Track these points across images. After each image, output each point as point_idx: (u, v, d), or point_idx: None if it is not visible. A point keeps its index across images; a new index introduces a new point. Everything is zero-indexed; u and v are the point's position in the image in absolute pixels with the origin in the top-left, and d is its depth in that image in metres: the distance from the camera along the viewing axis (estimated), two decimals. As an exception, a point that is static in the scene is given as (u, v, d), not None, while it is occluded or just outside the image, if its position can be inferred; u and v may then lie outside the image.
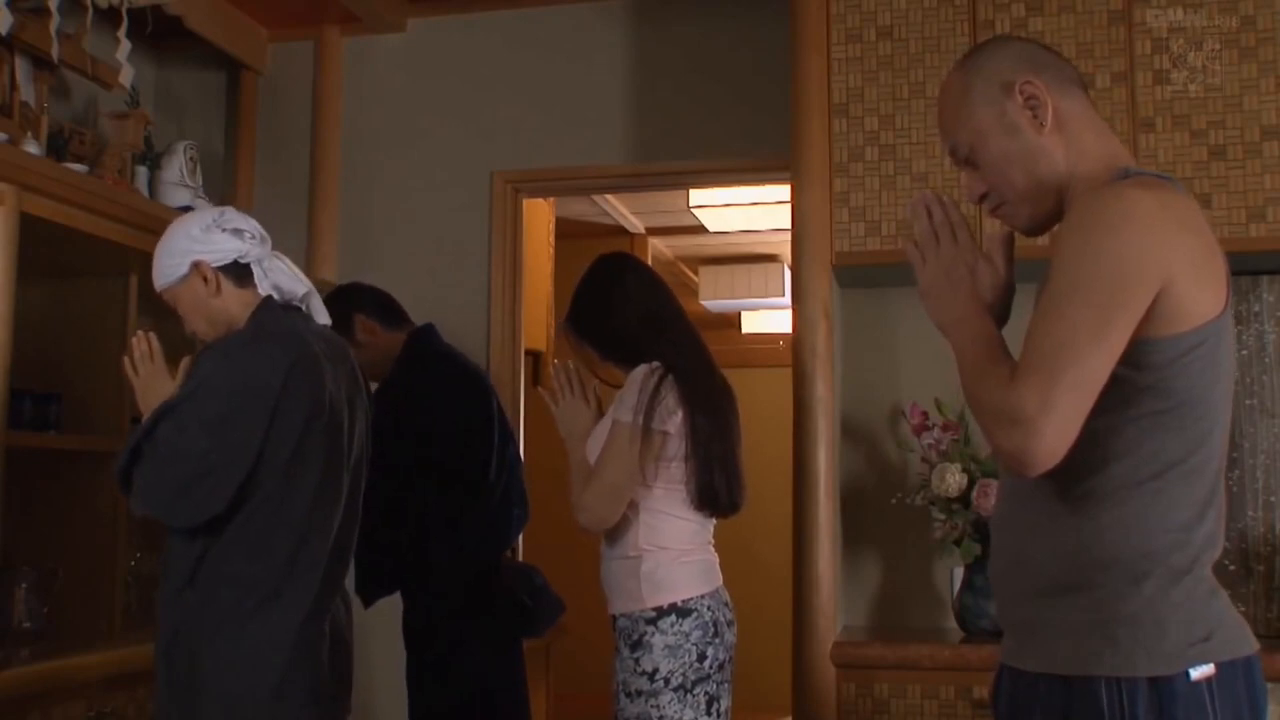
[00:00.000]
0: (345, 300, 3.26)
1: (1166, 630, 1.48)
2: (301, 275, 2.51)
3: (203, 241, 2.39)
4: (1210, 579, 1.55)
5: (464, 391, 3.24)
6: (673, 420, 2.49)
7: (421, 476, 3.10)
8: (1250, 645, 1.55)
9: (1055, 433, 1.43)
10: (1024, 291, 1.72)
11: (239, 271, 2.40)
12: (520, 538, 3.78)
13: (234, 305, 2.39)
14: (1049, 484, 1.56)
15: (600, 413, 2.63)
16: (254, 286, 2.41)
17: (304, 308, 2.50)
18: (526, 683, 3.25)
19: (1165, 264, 1.47)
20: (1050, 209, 1.68)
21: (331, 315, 3.24)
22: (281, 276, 2.45)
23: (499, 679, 3.14)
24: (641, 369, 2.52)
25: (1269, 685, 2.68)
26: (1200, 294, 1.50)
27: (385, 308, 3.31)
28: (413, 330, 3.30)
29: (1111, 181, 1.58)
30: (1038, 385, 1.43)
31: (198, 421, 2.22)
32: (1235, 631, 1.55)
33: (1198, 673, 1.47)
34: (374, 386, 3.07)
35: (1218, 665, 1.49)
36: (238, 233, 2.41)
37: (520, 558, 3.93)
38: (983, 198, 1.72)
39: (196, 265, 2.38)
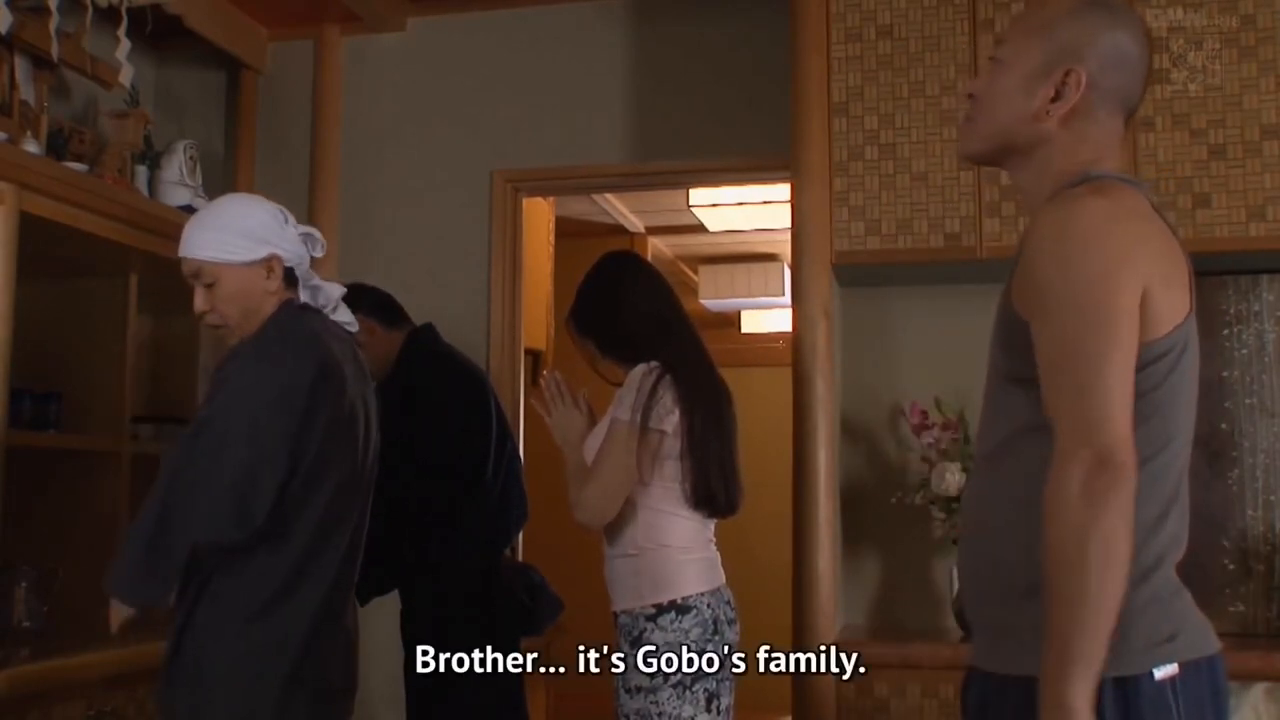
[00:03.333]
0: (348, 299, 3.27)
1: (1132, 630, 1.46)
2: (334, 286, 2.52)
3: (281, 236, 2.38)
4: (1175, 580, 1.55)
5: (462, 391, 3.24)
6: (670, 419, 2.50)
7: (419, 476, 3.10)
8: (1213, 645, 1.55)
9: (1124, 443, 1.43)
10: (990, 293, 1.71)
11: (289, 275, 2.40)
12: (519, 537, 3.78)
13: (271, 305, 2.37)
14: (1013, 485, 1.56)
15: (592, 419, 2.65)
16: (296, 290, 2.41)
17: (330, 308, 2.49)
18: (524, 682, 3.25)
19: (1142, 268, 1.49)
20: (998, 160, 1.71)
21: None
22: (319, 285, 2.47)
23: (497, 678, 3.13)
24: (640, 368, 2.53)
25: (1269, 684, 2.70)
26: (1169, 296, 1.51)
27: (385, 307, 3.31)
28: (412, 330, 3.30)
29: (1070, 186, 1.58)
30: (1077, 430, 1.43)
31: (236, 433, 2.20)
32: (1199, 631, 1.54)
33: (1162, 672, 1.47)
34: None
35: (1182, 665, 1.48)
36: (307, 238, 2.43)
37: (520, 557, 3.93)
38: (971, 96, 1.73)
39: (272, 258, 2.35)
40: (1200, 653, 1.52)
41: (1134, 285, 1.47)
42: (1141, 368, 1.49)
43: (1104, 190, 1.55)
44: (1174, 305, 1.52)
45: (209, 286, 2.34)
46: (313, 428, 2.25)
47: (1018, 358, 1.58)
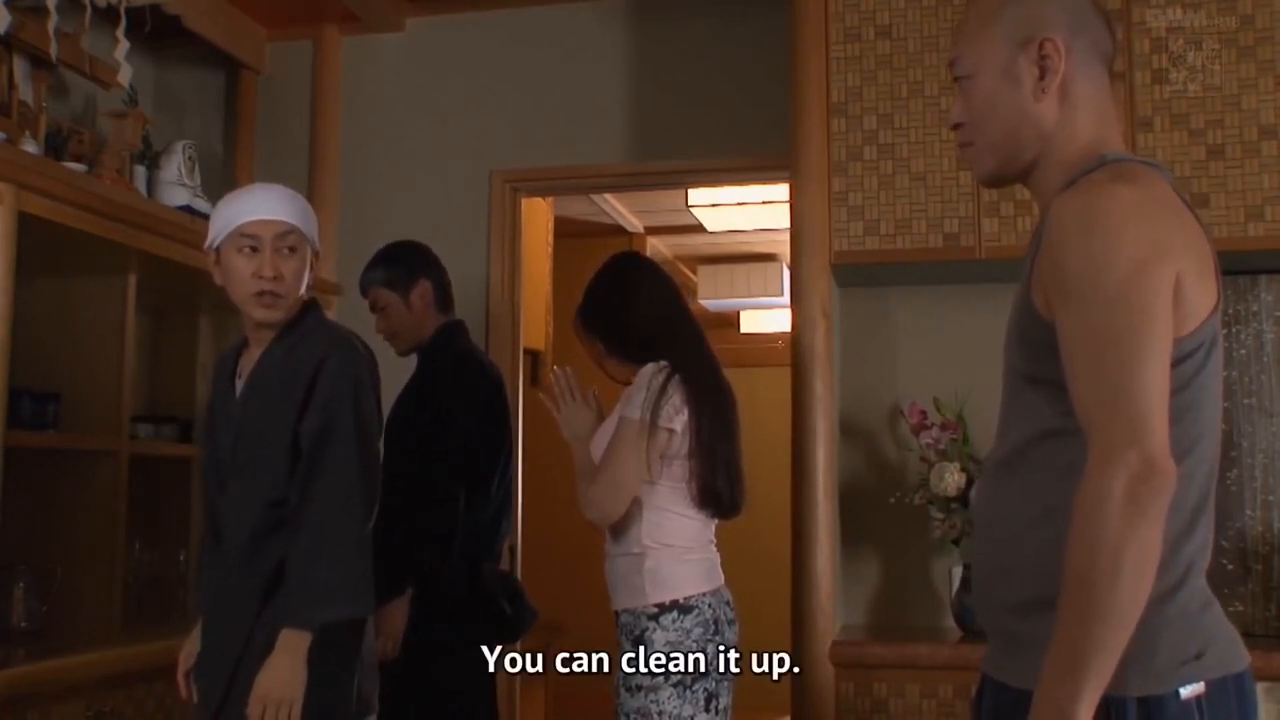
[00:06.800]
0: (422, 260, 3.23)
1: (1158, 648, 1.41)
2: None
3: None
4: (1204, 590, 1.49)
5: (484, 405, 3.18)
6: (679, 418, 2.51)
7: (422, 484, 3.06)
8: (1243, 660, 1.48)
9: (1166, 448, 1.35)
10: (1002, 292, 1.69)
11: None
12: (510, 539, 3.76)
13: (301, 299, 2.43)
14: (1030, 493, 1.51)
15: (601, 415, 2.66)
16: None
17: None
18: (495, 686, 3.24)
19: (1174, 259, 1.42)
20: (1016, 171, 1.63)
21: (400, 264, 3.23)
22: None
23: (471, 682, 3.11)
24: (649, 367, 2.54)
25: (1268, 684, 2.70)
26: (1199, 289, 1.45)
27: (447, 288, 3.29)
28: (447, 323, 3.27)
29: (1087, 173, 1.51)
30: (1123, 431, 1.35)
31: (357, 441, 2.28)
32: (1227, 647, 1.48)
33: (1188, 691, 1.41)
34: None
35: (1209, 683, 1.43)
36: None
37: (519, 557, 3.93)
38: (958, 127, 1.66)
39: (316, 256, 2.47)
40: (1228, 669, 1.45)
41: (1168, 277, 1.40)
42: (1173, 365, 1.40)
43: (1128, 176, 1.48)
44: (1203, 298, 1.45)
45: (291, 252, 2.34)
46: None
47: (1037, 358, 1.50)
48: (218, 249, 2.36)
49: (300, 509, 2.24)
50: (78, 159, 3.33)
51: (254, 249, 2.31)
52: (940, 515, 3.17)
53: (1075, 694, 1.33)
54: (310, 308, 2.42)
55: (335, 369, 2.30)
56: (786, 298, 5.64)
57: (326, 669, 2.22)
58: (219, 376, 2.49)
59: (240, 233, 2.32)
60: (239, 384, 2.41)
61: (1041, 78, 1.58)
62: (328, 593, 2.20)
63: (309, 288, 2.41)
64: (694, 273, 7.33)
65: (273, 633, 2.22)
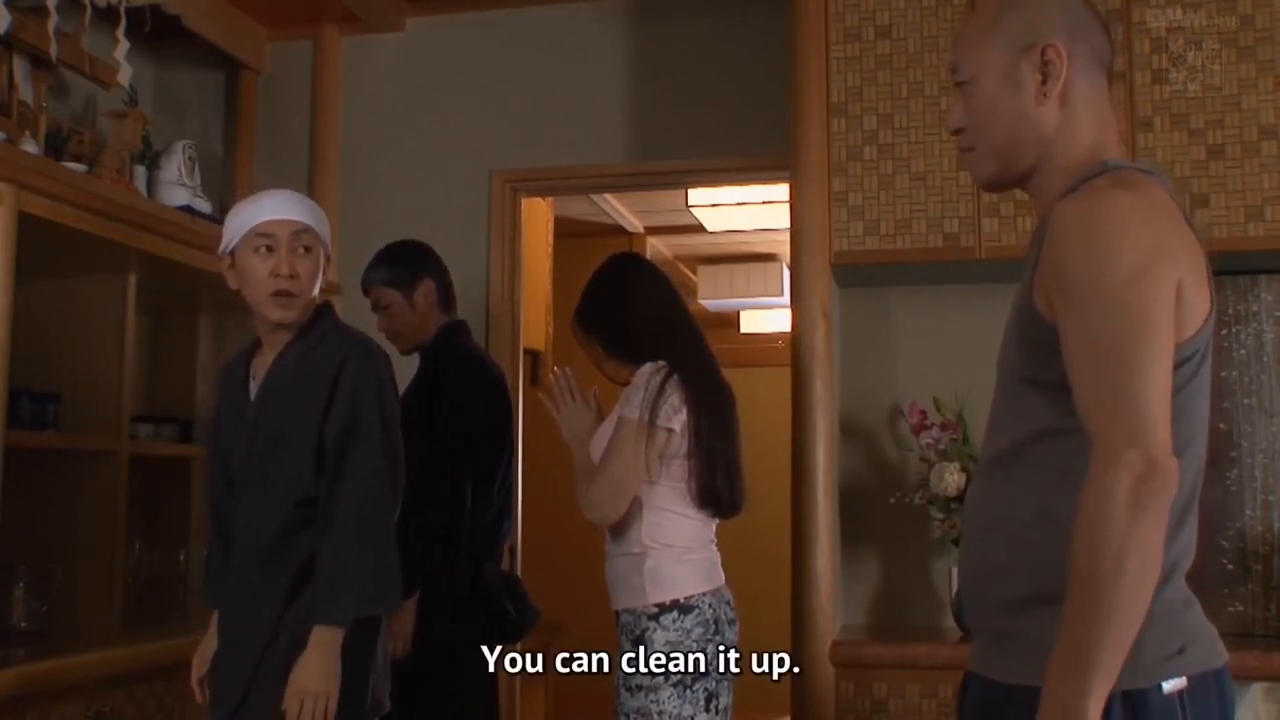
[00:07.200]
0: (426, 259, 3.24)
1: (1143, 643, 1.40)
2: None
3: None
4: (1185, 588, 1.51)
5: (487, 404, 3.18)
6: (677, 418, 2.51)
7: (426, 485, 3.05)
8: (1222, 657, 1.52)
9: (1169, 449, 1.37)
10: (1002, 292, 1.70)
11: None
12: (510, 539, 3.75)
13: (316, 299, 2.46)
14: (1025, 492, 1.52)
15: (601, 416, 2.66)
16: None
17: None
18: (496, 686, 3.24)
19: (1174, 266, 1.44)
20: (1017, 175, 1.64)
21: (404, 263, 3.24)
22: None
23: (473, 681, 3.11)
24: (648, 367, 2.54)
25: (1267, 684, 2.70)
26: (1196, 295, 1.47)
27: (449, 288, 3.29)
28: (450, 322, 3.26)
29: (1089, 179, 1.53)
30: (1125, 432, 1.36)
31: (381, 438, 2.32)
32: (1208, 644, 1.51)
33: (1170, 685, 1.44)
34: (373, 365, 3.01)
35: (1190, 678, 1.45)
36: None
37: (519, 557, 3.92)
38: (958, 132, 1.68)
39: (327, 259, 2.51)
40: (1209, 665, 1.49)
41: (1169, 281, 1.42)
42: (1173, 369, 1.42)
43: (1129, 183, 1.49)
44: (1199, 305, 1.48)
45: (306, 252, 2.37)
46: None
47: (1037, 359, 1.52)
48: (232, 252, 2.38)
49: (327, 507, 2.27)
50: (78, 159, 3.33)
51: (270, 248, 2.34)
52: (940, 515, 3.17)
53: (1081, 692, 1.34)
54: (325, 310, 2.46)
55: (357, 369, 2.34)
56: (786, 298, 5.64)
57: (349, 666, 2.25)
58: (229, 380, 2.49)
59: (256, 232, 2.35)
60: (253, 386, 2.42)
61: (1044, 83, 1.59)
62: (358, 589, 2.24)
63: (321, 290, 2.43)
64: (694, 273, 7.33)
65: (296, 633, 2.24)
